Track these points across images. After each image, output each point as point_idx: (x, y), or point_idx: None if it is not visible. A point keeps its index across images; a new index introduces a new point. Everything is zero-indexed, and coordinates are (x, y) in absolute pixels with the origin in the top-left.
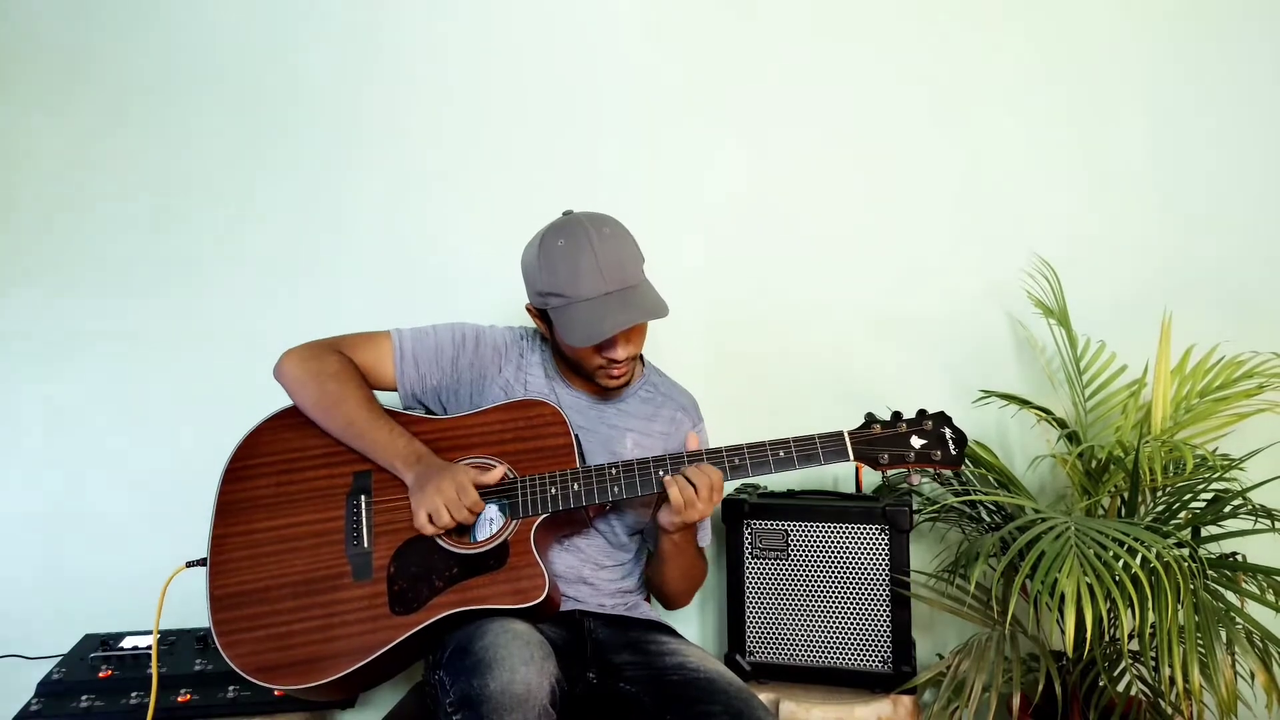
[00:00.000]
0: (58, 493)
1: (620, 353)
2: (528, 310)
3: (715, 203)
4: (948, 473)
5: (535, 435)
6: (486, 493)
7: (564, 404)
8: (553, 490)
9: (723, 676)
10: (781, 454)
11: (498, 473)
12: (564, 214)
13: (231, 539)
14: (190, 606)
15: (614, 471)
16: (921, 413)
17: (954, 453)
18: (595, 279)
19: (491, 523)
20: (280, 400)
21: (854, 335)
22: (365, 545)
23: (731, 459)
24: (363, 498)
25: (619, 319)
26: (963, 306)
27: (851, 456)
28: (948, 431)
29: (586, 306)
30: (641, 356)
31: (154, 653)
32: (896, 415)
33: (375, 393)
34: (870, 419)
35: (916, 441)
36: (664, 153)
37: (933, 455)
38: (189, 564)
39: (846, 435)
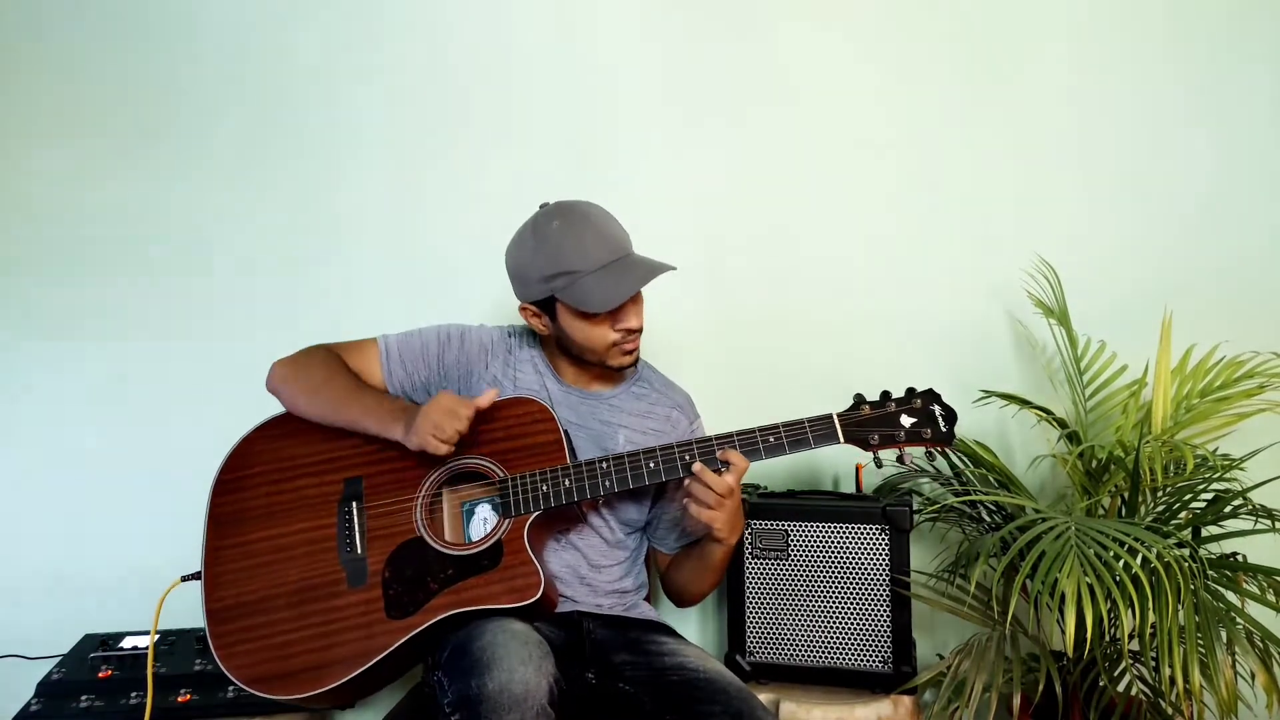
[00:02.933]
0: (58, 492)
1: (634, 321)
2: (522, 312)
3: (715, 203)
4: (938, 450)
5: (524, 433)
6: (476, 487)
7: (555, 399)
8: (544, 487)
9: (722, 676)
10: (771, 439)
11: (490, 394)
12: (541, 206)
13: (225, 551)
14: (190, 608)
15: (604, 466)
16: (910, 391)
17: (944, 430)
18: (600, 249)
19: (485, 523)
20: (273, 408)
21: (854, 335)
22: (359, 551)
23: (722, 447)
24: (354, 504)
25: (634, 277)
26: (963, 306)
27: (841, 438)
28: (937, 408)
29: (598, 276)
30: None
31: (149, 662)
32: (885, 395)
33: None
34: (859, 400)
35: (906, 420)
36: (665, 153)
37: (923, 433)
38: (184, 578)
39: (835, 417)
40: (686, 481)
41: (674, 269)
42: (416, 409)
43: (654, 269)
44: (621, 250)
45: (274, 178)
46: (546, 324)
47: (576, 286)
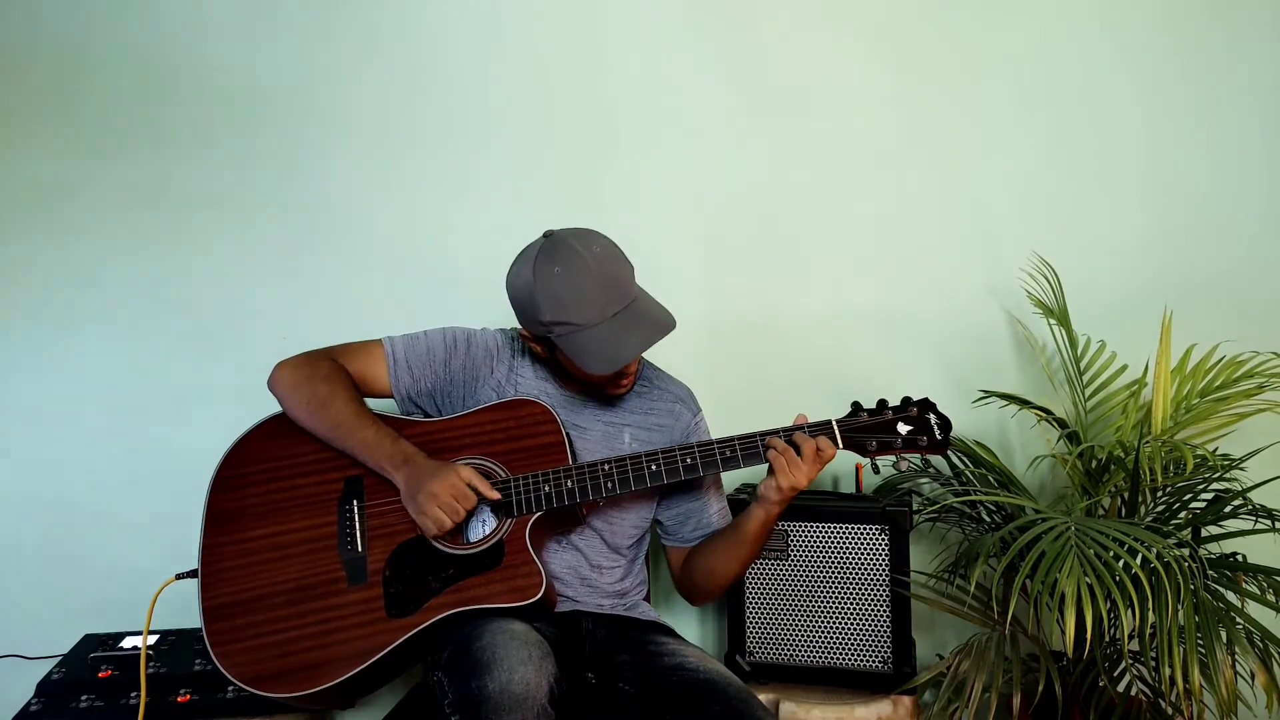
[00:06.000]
0: (58, 493)
1: (632, 365)
2: (520, 335)
3: (715, 203)
4: (935, 457)
5: (526, 434)
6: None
7: (558, 404)
8: (546, 488)
9: (722, 677)
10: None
11: (496, 495)
12: (544, 236)
13: (223, 549)
14: (190, 608)
15: (606, 467)
16: (906, 400)
17: (940, 438)
18: (600, 301)
19: (485, 523)
20: (273, 408)
21: (854, 335)
22: (359, 549)
23: (723, 451)
24: (355, 502)
25: (635, 340)
26: (963, 306)
27: (840, 444)
28: (933, 417)
29: (597, 332)
30: None
31: (142, 662)
32: (882, 403)
33: (373, 400)
34: (856, 408)
35: (903, 428)
36: (664, 154)
37: (919, 441)
38: (179, 576)
39: (834, 424)
40: (775, 440)
41: (674, 327)
42: (417, 461)
43: (654, 330)
44: (623, 299)
45: (275, 178)
46: (544, 351)
47: (574, 340)
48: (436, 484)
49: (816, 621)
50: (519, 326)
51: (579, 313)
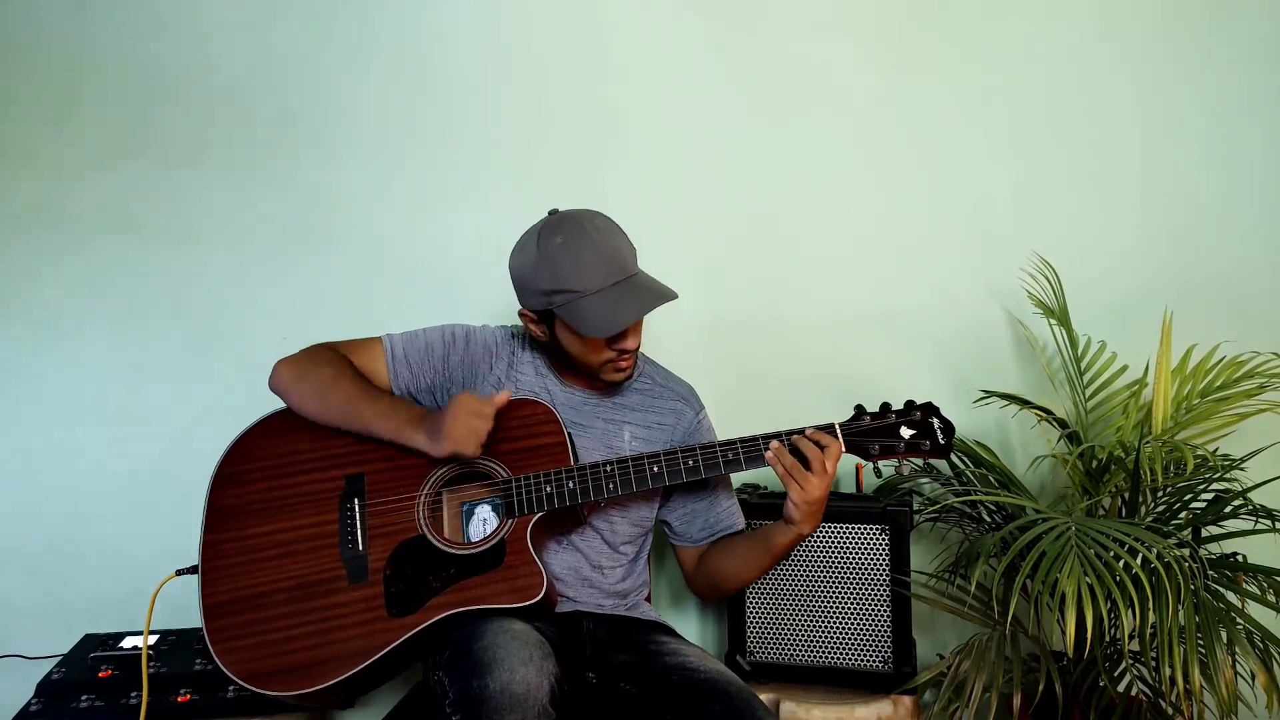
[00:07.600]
0: (58, 492)
1: (631, 342)
2: (521, 316)
3: (714, 204)
4: (939, 461)
5: (528, 435)
6: (478, 488)
7: (558, 401)
8: (547, 489)
9: (723, 676)
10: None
11: (504, 395)
12: (550, 213)
13: (223, 546)
14: (190, 609)
15: (609, 469)
16: (910, 404)
17: (942, 442)
18: (601, 271)
19: (484, 523)
20: (273, 404)
21: (854, 335)
22: (360, 548)
23: (725, 454)
24: (355, 500)
25: (634, 305)
26: (963, 306)
27: (843, 447)
28: (936, 421)
29: (597, 299)
30: None
31: (144, 661)
32: (885, 406)
33: None
34: (860, 411)
35: (906, 432)
36: (664, 154)
37: (922, 445)
38: (179, 572)
39: (838, 427)
40: (771, 455)
41: (675, 297)
42: (433, 414)
43: (654, 297)
44: (624, 271)
45: (274, 178)
46: (544, 332)
47: (575, 307)
48: (455, 410)
49: (817, 621)
50: (518, 319)
51: (579, 280)
